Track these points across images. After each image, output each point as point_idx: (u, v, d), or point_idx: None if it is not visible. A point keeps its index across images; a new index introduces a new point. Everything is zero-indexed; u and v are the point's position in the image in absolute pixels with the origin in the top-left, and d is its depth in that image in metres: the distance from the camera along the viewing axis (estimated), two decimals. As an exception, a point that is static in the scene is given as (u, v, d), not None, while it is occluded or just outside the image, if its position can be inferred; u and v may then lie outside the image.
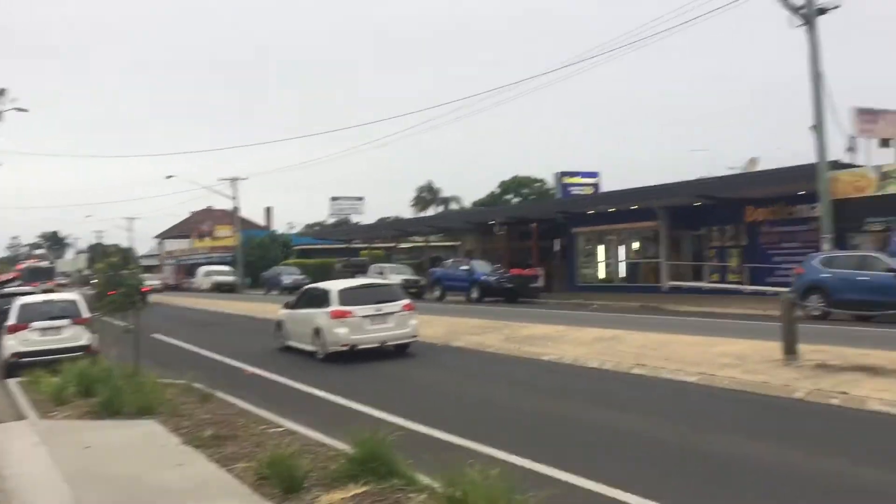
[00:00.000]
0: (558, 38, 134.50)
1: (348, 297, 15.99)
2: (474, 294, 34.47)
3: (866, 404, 9.02)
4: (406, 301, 16.50)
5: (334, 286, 16.98)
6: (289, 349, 17.48)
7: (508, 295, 33.82)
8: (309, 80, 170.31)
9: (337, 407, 10.71)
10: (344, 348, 15.37)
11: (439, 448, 7.58)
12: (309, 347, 16.41)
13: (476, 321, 21.06)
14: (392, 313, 15.85)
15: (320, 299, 16.45)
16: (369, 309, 15.63)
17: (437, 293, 37.80)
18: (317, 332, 15.98)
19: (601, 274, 39.04)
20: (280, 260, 66.12)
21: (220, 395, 11.17)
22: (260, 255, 68.50)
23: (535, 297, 34.31)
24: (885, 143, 27.53)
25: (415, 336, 16.32)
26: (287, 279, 53.62)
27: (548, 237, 40.22)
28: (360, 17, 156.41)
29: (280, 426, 8.99)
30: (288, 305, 18.57)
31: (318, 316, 16.05)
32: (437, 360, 15.50)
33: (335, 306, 15.73)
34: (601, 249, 39.06)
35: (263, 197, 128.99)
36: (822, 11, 22.65)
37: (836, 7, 22.54)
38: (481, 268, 36.06)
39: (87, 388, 11.24)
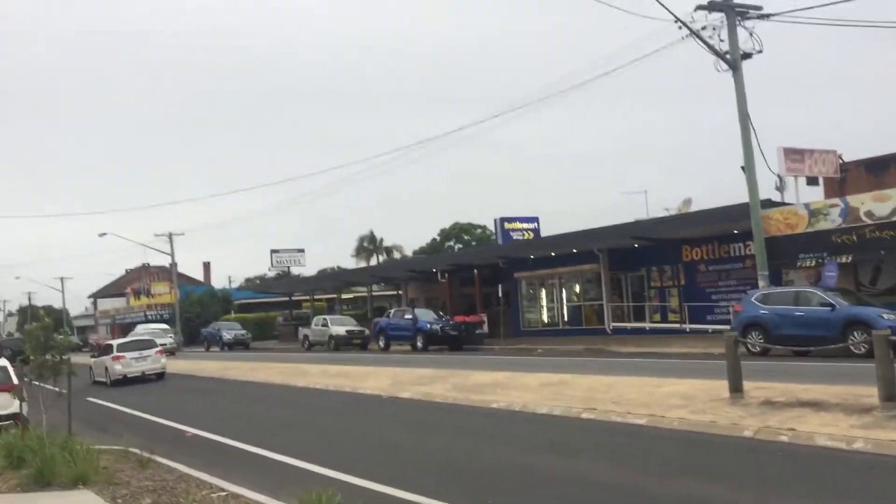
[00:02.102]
0: (493, 85, 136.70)
1: (123, 347, 28.01)
2: (419, 343, 34.29)
3: (814, 440, 9.09)
4: (158, 348, 28.89)
5: (115, 342, 29.90)
6: (95, 382, 27.19)
7: (453, 342, 33.72)
8: (242, 130, 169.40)
9: (284, 466, 10.36)
10: (119, 377, 26.22)
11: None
12: (103, 378, 27.11)
13: (422, 371, 20.85)
14: (149, 356, 27.55)
15: (109, 349, 28.02)
16: (135, 353, 27.32)
17: (381, 343, 37.47)
18: (106, 368, 27.04)
19: (545, 318, 39.26)
20: (220, 315, 64.92)
21: (160, 459, 10.70)
22: (199, 311, 67.15)
23: (480, 344, 34.28)
24: (812, 181, 28.45)
25: (164, 369, 27.96)
26: (227, 335, 52.66)
27: (490, 283, 40.38)
28: (293, 65, 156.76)
29: (224, 490, 8.63)
30: (93, 356, 29.95)
31: (107, 360, 27.14)
32: (382, 413, 15.22)
33: (115, 353, 27.09)
34: (544, 293, 39.33)
35: (201, 252, 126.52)
36: (747, 56, 23.48)
37: (759, 52, 23.40)
38: (425, 316, 35.93)
39: (17, 458, 10.67)
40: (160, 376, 27.28)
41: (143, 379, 26.43)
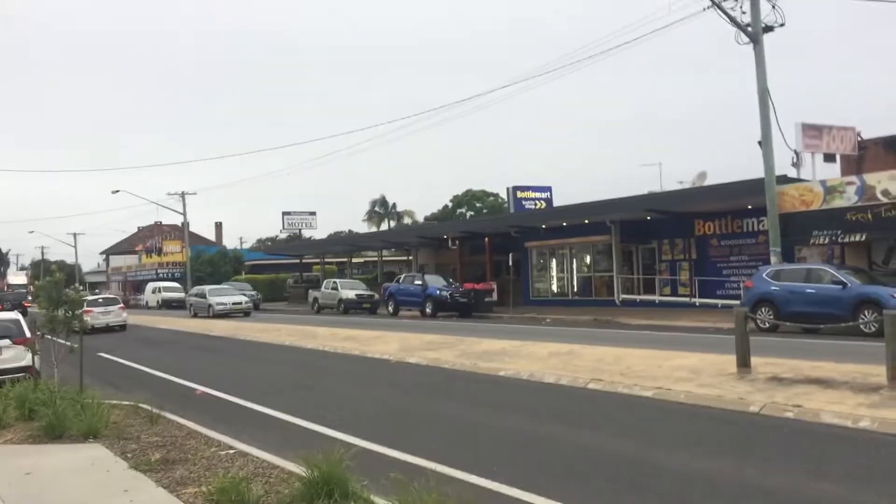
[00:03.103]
0: (514, 53, 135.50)
1: (91, 303, 32.13)
2: (428, 309, 34.38)
3: (820, 417, 9.10)
4: (121, 304, 35.51)
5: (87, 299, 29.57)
6: None
7: (463, 310, 33.81)
8: (261, 92, 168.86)
9: (291, 427, 10.46)
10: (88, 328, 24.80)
11: (396, 468, 7.42)
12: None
13: (430, 336, 20.93)
14: (112, 311, 33.94)
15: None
16: (101, 309, 33.37)
17: (390, 308, 37.61)
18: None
19: (554, 288, 39.27)
20: (231, 276, 65.23)
21: (170, 416, 10.83)
22: (210, 271, 67.48)
23: (489, 312, 34.35)
24: (829, 158, 28.19)
25: (125, 321, 34.32)
26: (238, 295, 52.92)
27: (501, 251, 40.36)
28: (315, 31, 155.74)
29: (232, 448, 8.73)
30: None
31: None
32: (390, 377, 15.31)
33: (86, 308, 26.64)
34: (554, 263, 39.30)
35: (213, 212, 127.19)
36: (769, 29, 23.14)
37: (781, 25, 23.06)
38: (435, 282, 35.99)
39: (28, 410, 10.85)
40: (122, 328, 33.79)
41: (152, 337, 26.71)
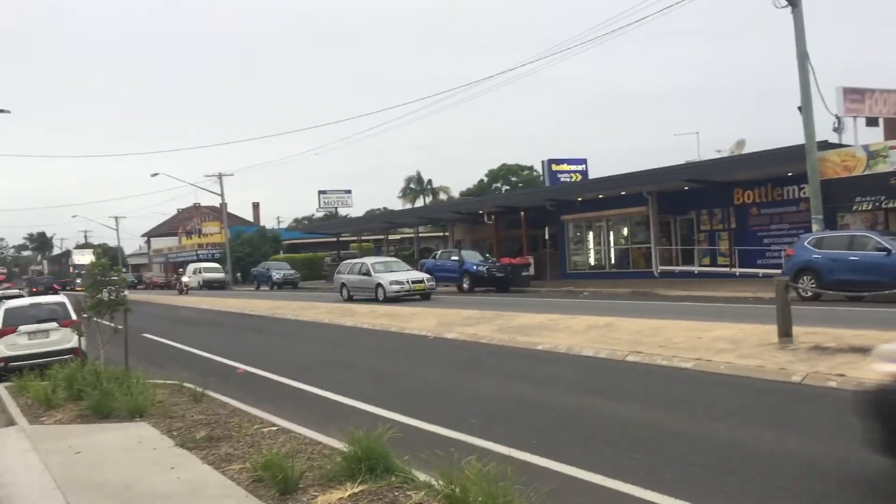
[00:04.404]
0: (542, 24, 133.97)
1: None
2: (465, 284, 34.43)
3: (864, 386, 8.96)
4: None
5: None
6: None
7: (500, 284, 33.81)
8: (295, 72, 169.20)
9: (332, 404, 10.59)
10: None
11: (436, 444, 7.48)
12: None
13: (468, 312, 20.98)
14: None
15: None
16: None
17: (428, 284, 37.63)
18: None
19: (591, 261, 39.05)
20: (269, 255, 65.93)
21: (213, 394, 11.02)
22: (249, 250, 68.33)
23: (526, 286, 34.32)
24: (872, 122, 27.54)
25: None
26: (277, 274, 53.51)
27: (537, 225, 40.19)
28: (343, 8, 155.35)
29: (275, 425, 8.87)
30: None
31: None
32: (428, 352, 15.39)
33: None
34: (591, 236, 39.07)
35: (251, 192, 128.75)
36: (807, -9, 22.59)
37: (820, -13, 22.49)
38: (471, 258, 35.99)
39: (76, 391, 11.11)
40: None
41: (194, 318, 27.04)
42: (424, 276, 31.22)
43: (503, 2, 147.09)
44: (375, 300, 29.38)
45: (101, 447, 8.38)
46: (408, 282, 29.87)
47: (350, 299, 31.57)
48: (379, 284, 29.83)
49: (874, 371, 6.62)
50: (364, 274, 31.53)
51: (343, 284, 32.94)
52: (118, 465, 7.54)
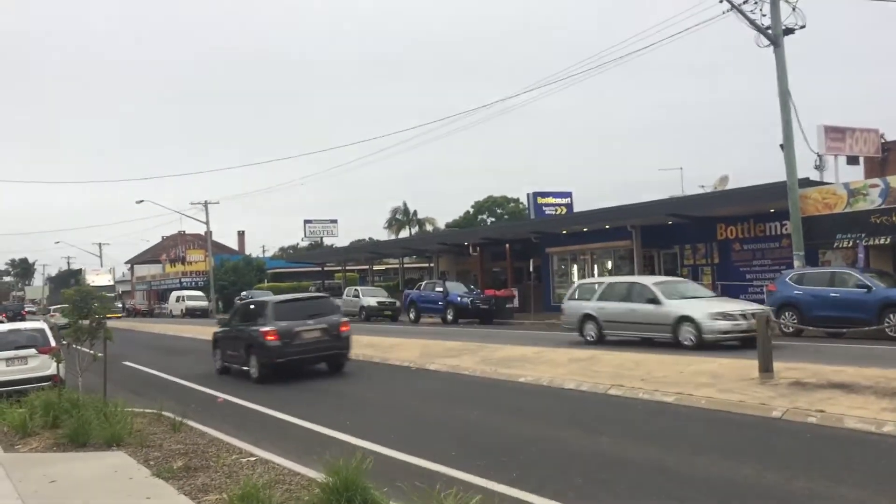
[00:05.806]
0: (530, 62, 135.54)
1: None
2: (449, 315, 34.34)
3: (843, 422, 9.01)
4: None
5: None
6: None
7: (484, 316, 33.75)
8: (281, 101, 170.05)
9: (311, 434, 10.52)
10: None
11: (415, 475, 7.44)
12: None
13: (451, 343, 20.93)
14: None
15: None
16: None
17: (412, 315, 37.61)
18: None
19: (576, 294, 39.00)
20: (254, 283, 65.63)
21: (192, 423, 10.93)
22: (233, 279, 67.98)
23: (510, 318, 34.28)
24: (853, 160, 27.90)
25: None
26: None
27: (522, 258, 40.26)
28: (330, 37, 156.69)
29: (253, 455, 8.79)
30: None
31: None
32: (410, 385, 15.33)
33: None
34: (575, 269, 39.13)
35: (236, 221, 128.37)
36: (789, 31, 22.95)
37: (801, 27, 22.86)
38: (456, 289, 35.95)
39: (53, 418, 10.97)
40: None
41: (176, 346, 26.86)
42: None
43: (495, 33, 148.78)
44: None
45: (76, 476, 8.28)
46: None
47: None
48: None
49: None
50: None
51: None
52: (93, 495, 7.44)
